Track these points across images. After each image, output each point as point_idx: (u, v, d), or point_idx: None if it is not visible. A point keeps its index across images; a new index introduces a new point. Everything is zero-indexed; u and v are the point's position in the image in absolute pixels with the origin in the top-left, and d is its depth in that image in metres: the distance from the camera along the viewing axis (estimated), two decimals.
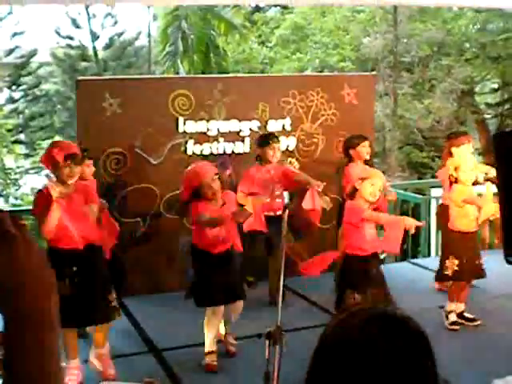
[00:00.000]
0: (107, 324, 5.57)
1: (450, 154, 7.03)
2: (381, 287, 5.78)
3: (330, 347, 1.50)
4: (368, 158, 7.29)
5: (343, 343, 1.47)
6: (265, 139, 7.27)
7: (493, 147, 2.11)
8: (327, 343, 1.51)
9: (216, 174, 5.77)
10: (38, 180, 24.63)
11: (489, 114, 22.65)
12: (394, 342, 1.44)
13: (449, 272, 6.63)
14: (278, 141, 7.30)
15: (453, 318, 6.63)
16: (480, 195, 7.02)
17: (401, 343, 1.45)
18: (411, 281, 7.99)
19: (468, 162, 6.64)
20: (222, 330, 6.05)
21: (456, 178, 6.58)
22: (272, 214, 7.01)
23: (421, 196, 9.86)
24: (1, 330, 1.14)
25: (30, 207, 6.07)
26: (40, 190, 5.35)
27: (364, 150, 7.28)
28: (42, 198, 5.15)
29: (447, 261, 6.63)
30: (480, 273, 6.69)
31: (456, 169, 6.58)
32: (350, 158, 7.33)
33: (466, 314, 6.69)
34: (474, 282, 6.94)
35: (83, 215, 5.26)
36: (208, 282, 5.73)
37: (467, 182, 6.54)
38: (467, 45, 20.10)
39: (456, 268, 6.58)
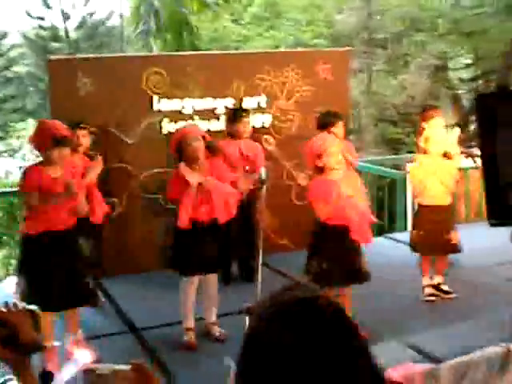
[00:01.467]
0: (77, 309, 5.56)
1: (423, 129, 7.06)
2: (347, 258, 5.72)
3: (249, 342, 1.46)
4: (340, 137, 7.11)
5: (256, 341, 1.44)
6: (235, 114, 7.25)
7: (475, 109, 2.10)
8: (248, 336, 1.47)
9: (201, 135, 5.74)
10: (12, 163, 24.45)
11: (463, 89, 22.71)
12: (303, 336, 1.37)
13: (413, 243, 6.72)
14: (248, 115, 7.24)
15: (428, 290, 6.68)
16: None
17: (310, 337, 1.38)
18: (388, 255, 8.02)
19: (438, 135, 6.65)
20: (208, 318, 6.01)
21: (425, 150, 6.61)
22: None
23: (397, 171, 9.88)
24: None
25: (7, 189, 6.02)
26: (30, 169, 5.30)
27: (337, 130, 6.98)
28: (35, 178, 5.14)
29: (414, 231, 6.80)
30: (450, 247, 6.72)
31: (426, 140, 6.60)
32: None
33: (443, 287, 6.74)
34: (452, 256, 7.00)
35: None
36: (184, 251, 5.73)
37: (435, 154, 6.56)
38: (440, 20, 20.08)
39: (416, 240, 6.66)
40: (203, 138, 5.76)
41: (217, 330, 5.91)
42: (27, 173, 5.26)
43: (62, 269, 5.23)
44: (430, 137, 6.57)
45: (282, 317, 1.41)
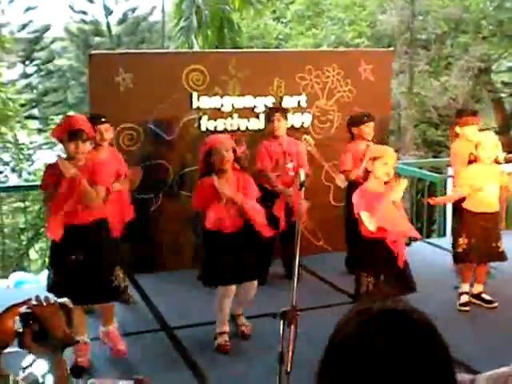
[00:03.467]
0: (107, 304, 5.55)
1: (456, 133, 6.93)
2: (397, 272, 5.66)
3: (337, 348, 1.47)
4: (370, 138, 7.08)
5: (346, 345, 1.43)
6: (267, 113, 7.25)
7: None
8: (335, 343, 1.47)
9: (232, 147, 5.66)
10: (51, 155, 24.66)
11: (505, 92, 22.43)
12: (396, 341, 1.37)
13: (460, 250, 6.54)
14: (282, 114, 7.16)
15: (464, 299, 6.52)
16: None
17: (402, 342, 1.38)
18: (426, 261, 7.89)
19: (490, 140, 6.47)
20: (237, 311, 5.97)
21: (475, 156, 6.43)
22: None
23: (437, 174, 9.74)
24: None
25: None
26: (49, 165, 5.30)
27: (367, 130, 7.06)
28: (52, 174, 5.13)
29: (460, 239, 6.54)
30: (496, 255, 6.55)
31: (477, 146, 6.42)
32: (352, 135, 7.19)
33: (484, 295, 6.59)
34: (493, 264, 6.85)
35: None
36: (217, 261, 5.65)
37: (487, 161, 6.39)
38: (484, 22, 19.81)
39: (465, 247, 6.48)
40: (233, 150, 5.68)
41: (243, 323, 5.91)
42: (46, 170, 5.29)
43: (86, 263, 5.21)
44: (480, 142, 6.39)
45: (376, 323, 1.42)
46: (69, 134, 5.10)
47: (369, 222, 5.47)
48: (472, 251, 6.44)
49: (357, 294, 5.75)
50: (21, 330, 1.96)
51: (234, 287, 5.72)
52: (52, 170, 5.19)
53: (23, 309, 1.97)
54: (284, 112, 7.25)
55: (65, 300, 2.07)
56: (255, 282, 5.86)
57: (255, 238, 5.76)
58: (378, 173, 5.56)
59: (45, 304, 2.00)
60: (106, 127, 6.23)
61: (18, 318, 1.98)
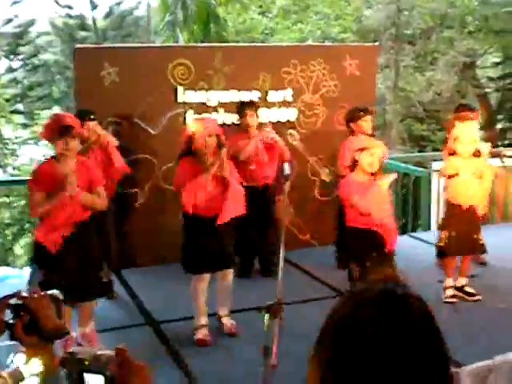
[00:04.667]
0: (95, 301, 5.55)
1: (454, 125, 6.95)
2: (384, 259, 5.68)
3: (331, 330, 1.44)
4: (370, 132, 7.05)
5: (339, 327, 1.41)
6: (240, 108, 7.17)
7: None
8: (329, 325, 1.46)
9: (216, 133, 5.64)
10: (37, 150, 24.55)
11: (490, 87, 22.49)
12: (394, 323, 1.37)
13: (442, 244, 6.57)
14: (254, 109, 7.12)
15: (449, 292, 6.57)
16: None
17: (400, 325, 1.37)
18: (411, 255, 7.93)
19: (468, 135, 6.51)
20: (220, 311, 5.96)
21: (454, 150, 6.49)
22: (257, 184, 6.92)
23: (422, 169, 9.77)
24: None
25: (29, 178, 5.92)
26: (41, 166, 5.28)
27: (365, 124, 7.01)
28: (45, 174, 5.12)
29: (442, 232, 6.61)
30: (478, 248, 6.61)
31: (455, 140, 6.48)
32: (352, 130, 7.08)
33: (467, 289, 6.63)
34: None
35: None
36: (195, 247, 5.65)
37: (464, 154, 6.44)
38: (470, 17, 19.85)
39: (446, 241, 6.52)
40: (218, 135, 5.65)
41: (228, 322, 5.87)
42: (37, 171, 5.25)
43: (73, 262, 5.21)
44: (458, 136, 6.44)
45: (369, 306, 1.39)
46: (58, 131, 5.07)
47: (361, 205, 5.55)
48: (452, 244, 6.47)
49: (350, 282, 5.81)
50: (11, 322, 1.97)
51: (206, 276, 5.73)
52: (43, 171, 5.17)
53: (14, 300, 1.98)
54: (256, 107, 7.20)
55: (55, 292, 2.07)
56: (230, 272, 5.86)
57: (237, 226, 5.77)
58: (364, 163, 5.62)
59: (35, 295, 2.01)
60: (95, 124, 6.22)
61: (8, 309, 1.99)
